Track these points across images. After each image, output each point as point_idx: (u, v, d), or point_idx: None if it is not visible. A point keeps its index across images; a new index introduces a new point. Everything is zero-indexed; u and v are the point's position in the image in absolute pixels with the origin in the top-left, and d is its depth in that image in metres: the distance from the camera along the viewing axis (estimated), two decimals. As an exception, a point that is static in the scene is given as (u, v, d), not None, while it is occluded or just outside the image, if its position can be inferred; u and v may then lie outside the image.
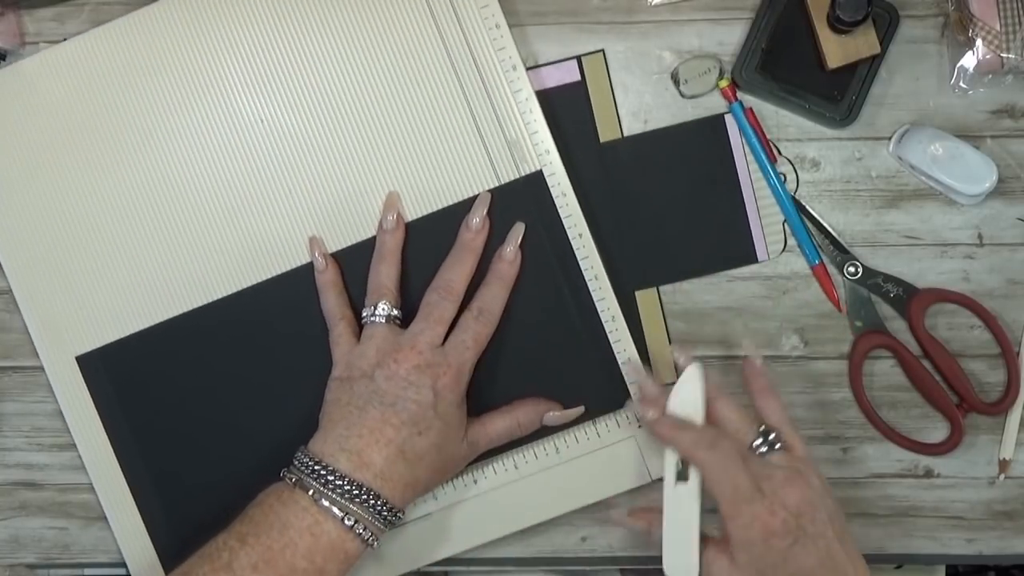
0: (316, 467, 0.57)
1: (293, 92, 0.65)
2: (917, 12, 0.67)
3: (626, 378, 0.65)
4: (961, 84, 0.66)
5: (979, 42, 0.64)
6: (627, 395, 0.65)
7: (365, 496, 0.57)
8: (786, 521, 0.55)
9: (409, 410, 0.58)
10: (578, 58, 0.67)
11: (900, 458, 0.68)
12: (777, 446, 0.59)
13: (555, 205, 0.64)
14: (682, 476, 0.58)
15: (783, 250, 0.67)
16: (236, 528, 0.57)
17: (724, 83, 0.66)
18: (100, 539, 0.69)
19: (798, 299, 0.67)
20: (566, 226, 0.65)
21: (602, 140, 0.67)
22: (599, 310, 0.65)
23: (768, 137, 0.67)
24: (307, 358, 0.64)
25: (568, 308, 0.65)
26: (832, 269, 0.67)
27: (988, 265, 0.67)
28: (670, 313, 0.67)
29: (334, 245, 0.65)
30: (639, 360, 0.65)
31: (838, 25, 0.63)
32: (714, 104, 0.67)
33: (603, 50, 0.67)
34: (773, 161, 0.67)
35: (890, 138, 0.67)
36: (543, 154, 0.65)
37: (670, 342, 0.67)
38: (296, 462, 0.59)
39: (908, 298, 0.67)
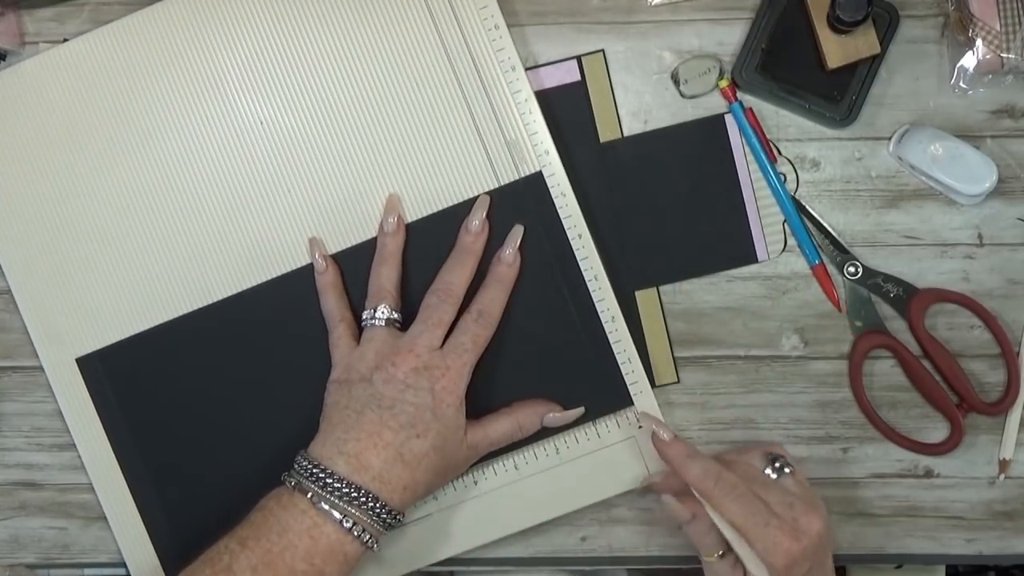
0: (315, 470, 0.57)
1: (293, 93, 0.65)
2: (917, 12, 0.66)
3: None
4: (961, 84, 0.66)
5: (979, 42, 0.64)
6: (627, 395, 0.65)
7: (364, 499, 0.57)
8: (807, 549, 0.56)
9: (407, 413, 0.58)
10: (578, 58, 0.67)
11: (900, 458, 0.68)
12: (787, 470, 0.60)
13: (555, 206, 0.64)
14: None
15: (783, 250, 0.67)
16: (237, 532, 0.57)
17: (724, 83, 0.66)
18: (100, 539, 0.69)
19: (798, 299, 0.67)
20: (566, 227, 0.64)
21: (602, 140, 0.67)
22: (599, 310, 0.65)
23: (768, 137, 0.67)
24: (307, 360, 0.64)
25: (568, 309, 0.65)
26: (832, 269, 0.67)
27: (988, 265, 0.67)
28: (670, 313, 0.67)
29: (334, 246, 0.65)
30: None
31: (838, 25, 0.63)
32: (714, 104, 0.67)
33: (603, 50, 0.67)
34: (773, 161, 0.67)
35: (890, 138, 0.67)
36: (543, 155, 0.65)
37: (670, 342, 0.67)
38: (296, 465, 0.59)
39: (908, 298, 0.67)
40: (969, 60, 0.65)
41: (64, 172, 0.65)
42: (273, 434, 0.65)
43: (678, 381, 0.68)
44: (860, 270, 0.67)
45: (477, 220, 0.63)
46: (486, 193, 0.64)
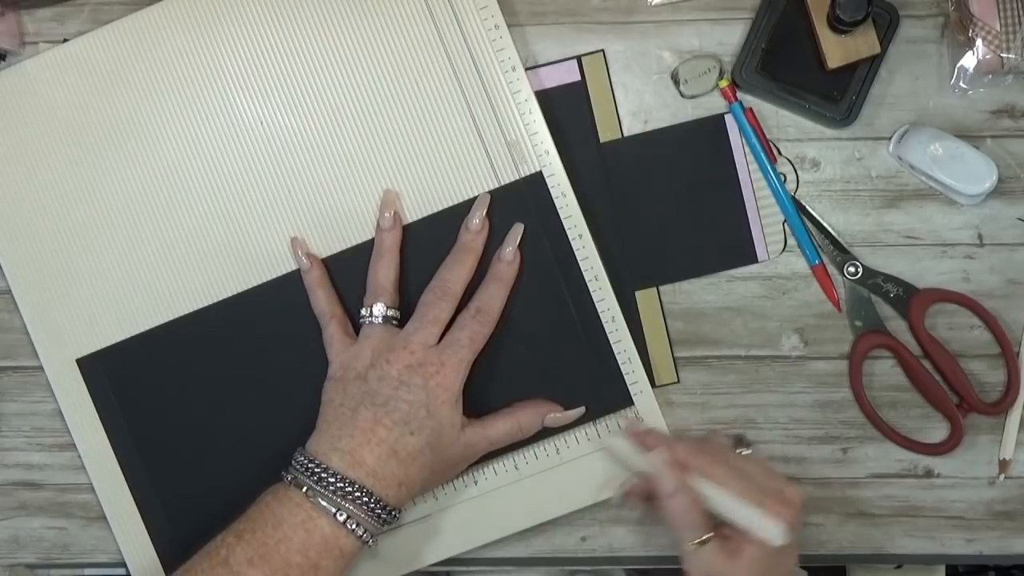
0: (310, 465, 0.58)
1: (293, 94, 0.65)
2: (917, 12, 0.66)
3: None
4: (961, 84, 0.66)
5: (979, 42, 0.64)
6: (627, 395, 0.65)
7: (358, 493, 0.57)
8: (796, 516, 0.58)
9: (401, 410, 0.58)
10: (578, 58, 0.67)
11: (900, 458, 0.68)
12: (750, 450, 0.63)
13: (555, 206, 0.64)
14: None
15: (783, 250, 0.67)
16: (235, 526, 0.58)
17: (724, 83, 0.66)
18: (100, 539, 0.69)
19: (798, 299, 0.67)
20: (566, 227, 0.64)
21: (602, 140, 0.67)
22: (599, 310, 0.65)
23: (768, 137, 0.67)
24: (307, 359, 0.64)
25: (568, 308, 0.65)
26: (832, 269, 0.67)
27: (988, 265, 0.67)
28: (670, 313, 0.67)
29: (334, 247, 0.65)
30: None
31: (838, 25, 0.63)
32: (714, 104, 0.67)
33: (603, 50, 0.67)
34: (773, 161, 0.67)
35: (890, 138, 0.67)
36: (543, 155, 0.65)
37: (670, 342, 0.67)
38: (293, 462, 0.59)
39: (908, 298, 0.67)
40: (969, 60, 0.65)
41: (64, 172, 0.65)
42: (273, 434, 0.65)
43: (678, 381, 0.68)
44: (860, 270, 0.67)
45: (477, 218, 0.63)
46: (486, 193, 0.64)
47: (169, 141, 0.65)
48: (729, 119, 0.67)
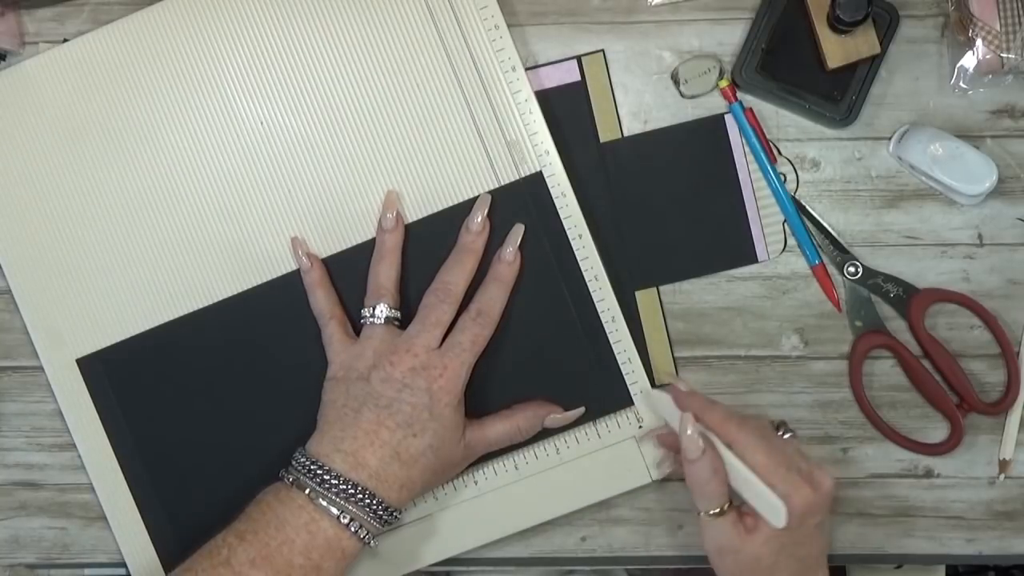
0: (313, 467, 0.58)
1: (293, 94, 0.65)
2: (917, 12, 0.66)
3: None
4: (961, 84, 0.66)
5: (979, 42, 0.64)
6: (627, 395, 0.65)
7: (361, 495, 0.57)
8: (822, 500, 0.57)
9: (404, 412, 0.58)
10: (578, 58, 0.67)
11: (900, 458, 0.68)
12: (790, 435, 0.61)
13: (555, 206, 0.64)
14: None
15: (783, 250, 0.67)
16: (235, 526, 0.58)
17: (724, 83, 0.66)
18: (100, 539, 0.69)
19: (798, 299, 0.67)
20: (566, 227, 0.64)
21: (602, 140, 0.67)
22: (599, 310, 0.65)
23: (768, 137, 0.67)
24: (307, 360, 0.64)
25: (568, 309, 0.65)
26: (832, 269, 0.67)
27: (988, 265, 0.67)
28: (670, 313, 0.67)
29: (335, 247, 0.65)
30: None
31: (838, 25, 0.63)
32: (714, 104, 0.67)
33: (603, 50, 0.67)
34: (773, 161, 0.67)
35: (890, 138, 0.67)
36: (543, 155, 0.65)
37: (670, 342, 0.67)
38: (294, 462, 0.59)
39: (908, 298, 0.67)
40: (969, 60, 0.65)
41: (64, 172, 0.65)
42: (273, 434, 0.65)
43: (678, 381, 0.68)
44: (860, 270, 0.67)
45: (478, 218, 0.63)
46: (487, 193, 0.64)
47: (169, 141, 0.65)
48: (729, 119, 0.67)
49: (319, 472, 0.57)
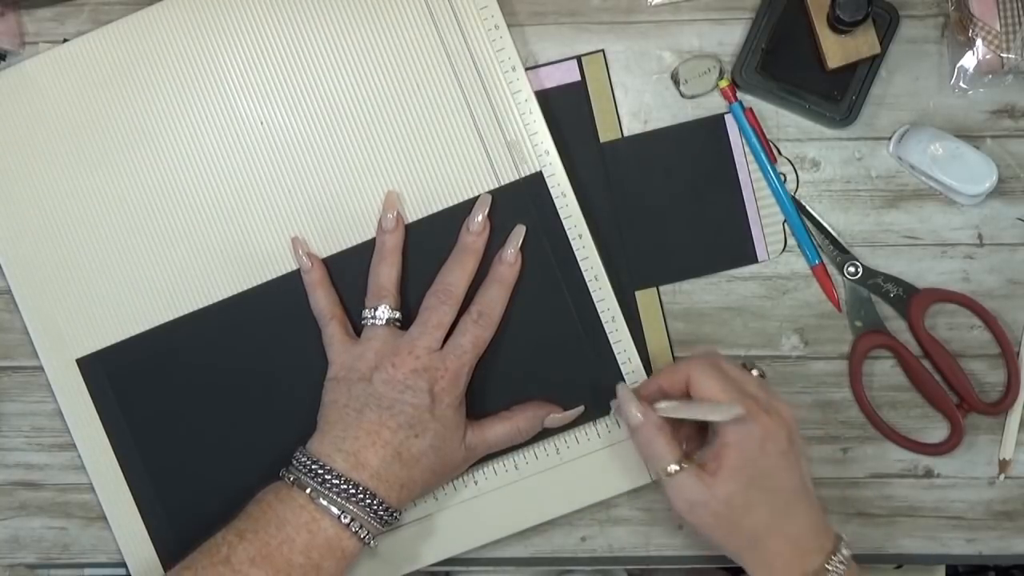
0: (314, 466, 0.58)
1: (293, 94, 0.65)
2: (917, 12, 0.67)
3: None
4: (961, 84, 0.66)
5: (979, 42, 0.64)
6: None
7: (361, 495, 0.57)
8: (780, 428, 0.57)
9: (406, 413, 0.58)
10: (578, 58, 0.67)
11: (900, 458, 0.68)
12: (756, 372, 0.61)
13: (555, 206, 0.64)
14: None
15: (783, 250, 0.67)
16: (235, 525, 0.58)
17: (724, 83, 0.66)
18: (100, 539, 0.69)
19: (798, 299, 0.67)
20: (566, 227, 0.64)
21: (602, 140, 0.67)
22: (599, 310, 0.65)
23: (768, 137, 0.67)
24: (307, 360, 0.64)
25: (568, 309, 0.65)
26: (832, 269, 0.67)
27: (988, 265, 0.67)
28: (670, 313, 0.67)
29: (335, 247, 0.65)
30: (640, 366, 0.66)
31: (838, 25, 0.63)
32: (714, 104, 0.67)
33: (603, 50, 0.67)
34: (773, 161, 0.67)
35: (890, 138, 0.67)
36: (543, 155, 0.65)
37: (670, 342, 0.67)
38: (295, 462, 0.59)
39: (908, 298, 0.67)
40: (969, 60, 0.65)
41: (64, 172, 0.65)
42: (273, 434, 0.65)
43: (678, 381, 0.68)
44: (860, 270, 0.67)
45: (479, 219, 0.63)
46: (487, 193, 0.64)
47: (169, 141, 0.65)
48: (729, 119, 0.67)
49: (320, 472, 0.57)
